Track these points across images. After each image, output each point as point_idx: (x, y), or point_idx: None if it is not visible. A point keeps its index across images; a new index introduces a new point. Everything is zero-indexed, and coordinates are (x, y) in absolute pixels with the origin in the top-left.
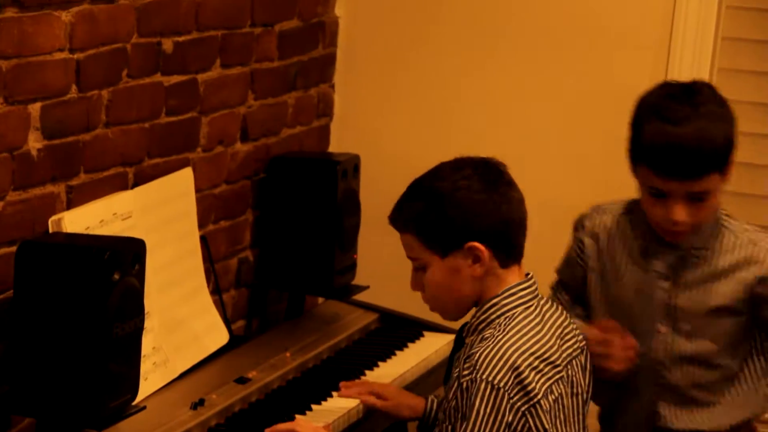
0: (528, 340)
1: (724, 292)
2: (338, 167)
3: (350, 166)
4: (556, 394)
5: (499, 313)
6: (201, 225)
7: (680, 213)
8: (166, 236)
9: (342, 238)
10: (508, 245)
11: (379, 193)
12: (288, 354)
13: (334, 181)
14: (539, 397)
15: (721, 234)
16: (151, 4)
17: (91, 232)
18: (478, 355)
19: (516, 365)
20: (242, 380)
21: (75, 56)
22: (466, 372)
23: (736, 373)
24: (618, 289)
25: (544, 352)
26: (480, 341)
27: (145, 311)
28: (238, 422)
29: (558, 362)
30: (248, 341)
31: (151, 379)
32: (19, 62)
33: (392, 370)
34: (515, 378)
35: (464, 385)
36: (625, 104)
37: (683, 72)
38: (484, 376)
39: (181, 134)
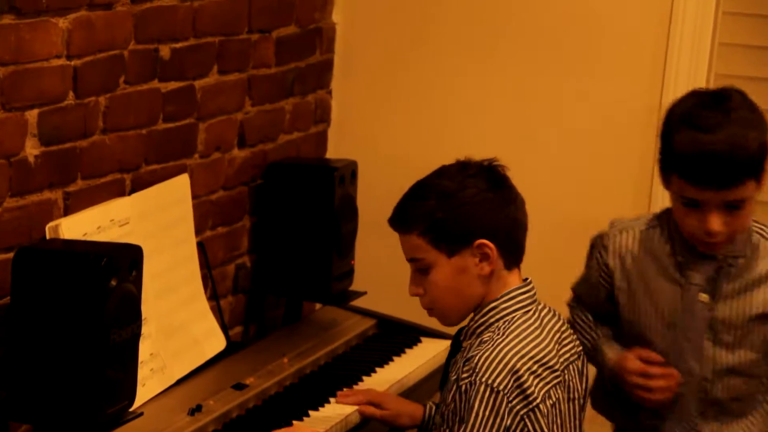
0: (527, 344)
1: (764, 299)
2: (335, 173)
3: (347, 172)
4: (554, 399)
5: (498, 316)
6: (198, 231)
7: (716, 222)
8: (164, 242)
9: (339, 244)
10: (514, 245)
11: (376, 199)
12: (285, 360)
13: (331, 187)
14: (538, 401)
15: (755, 241)
16: (148, 11)
17: (88, 238)
18: (477, 358)
19: (516, 369)
20: (240, 386)
21: (72, 63)
22: (465, 375)
23: None
24: (653, 308)
25: (543, 357)
26: (479, 344)
27: (143, 317)
28: (235, 428)
29: (556, 367)
30: (246, 347)
31: (148, 385)
32: (17, 69)
33: (390, 376)
34: (515, 382)
35: (463, 387)
36: (622, 109)
37: (680, 78)
38: (483, 379)
39: (179, 140)
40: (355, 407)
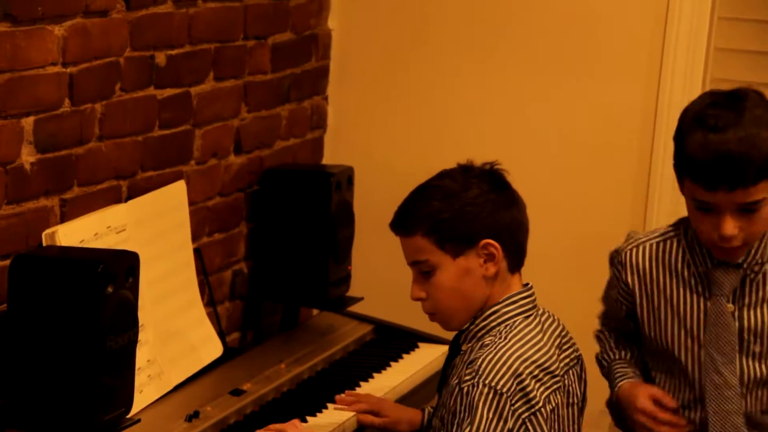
0: (529, 348)
1: None
2: (332, 179)
3: (344, 178)
4: (554, 404)
5: (499, 320)
6: (195, 237)
7: (730, 226)
8: (160, 249)
9: (336, 250)
10: (517, 247)
11: (373, 204)
12: (283, 366)
13: (328, 193)
14: (539, 405)
15: None
16: (143, 18)
17: (85, 245)
18: (480, 360)
19: (518, 372)
20: (237, 392)
21: (68, 70)
22: (467, 377)
23: None
24: (678, 323)
25: (545, 362)
26: (480, 348)
27: (140, 324)
28: None
29: (557, 372)
30: (243, 353)
31: (145, 391)
32: (12, 76)
33: (387, 382)
34: (517, 385)
35: (465, 389)
36: (619, 113)
37: (676, 82)
38: (487, 381)
39: (175, 147)
40: (353, 413)
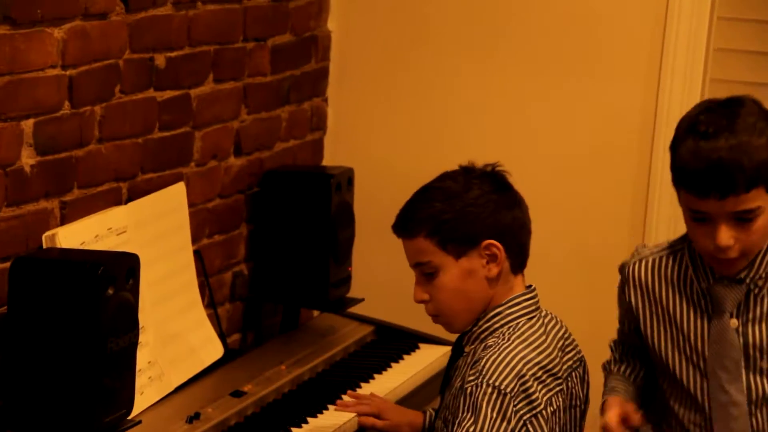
0: (533, 350)
1: None
2: (332, 180)
3: (344, 179)
4: (555, 407)
5: (503, 322)
6: (195, 239)
7: (725, 236)
8: (160, 251)
9: (336, 251)
10: (519, 247)
11: (373, 205)
12: (283, 367)
13: (328, 194)
14: (541, 407)
15: None
16: (143, 20)
17: (86, 247)
18: (484, 361)
19: (521, 374)
20: (238, 393)
21: (68, 72)
22: (471, 378)
23: None
24: (680, 340)
25: (548, 364)
26: (484, 349)
27: (141, 325)
28: None
29: (559, 374)
30: (243, 354)
31: (146, 393)
32: (12, 79)
33: (388, 383)
34: (520, 386)
35: (468, 390)
36: (618, 114)
37: (675, 82)
38: (490, 381)
39: (175, 149)
40: (354, 414)
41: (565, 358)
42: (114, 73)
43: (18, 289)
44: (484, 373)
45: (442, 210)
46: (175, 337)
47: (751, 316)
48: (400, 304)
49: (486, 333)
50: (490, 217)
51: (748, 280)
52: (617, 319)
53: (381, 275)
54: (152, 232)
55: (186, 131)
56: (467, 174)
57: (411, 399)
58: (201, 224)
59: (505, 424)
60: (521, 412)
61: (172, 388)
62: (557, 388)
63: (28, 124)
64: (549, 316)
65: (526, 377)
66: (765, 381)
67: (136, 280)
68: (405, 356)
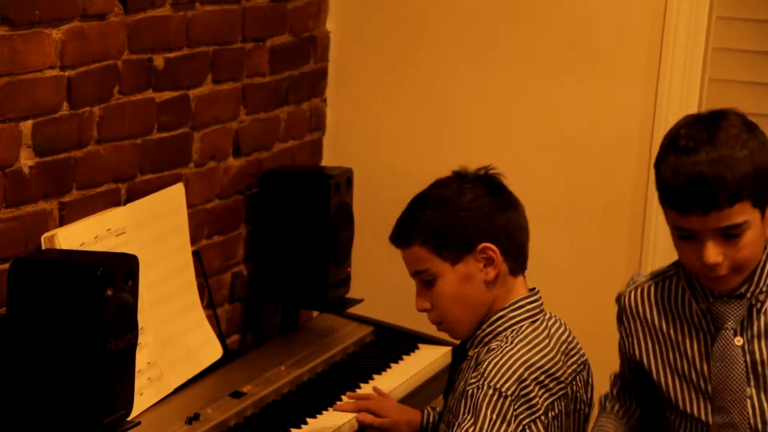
0: (536, 353)
1: None
2: (331, 181)
3: (343, 180)
4: (557, 411)
5: (506, 325)
6: (194, 240)
7: (712, 254)
8: (159, 252)
9: (336, 252)
10: (517, 249)
11: (372, 206)
12: (283, 368)
13: (327, 195)
14: (540, 413)
15: None
16: (141, 21)
17: (86, 248)
18: (486, 363)
19: (522, 378)
20: (237, 394)
21: (66, 73)
22: (473, 380)
23: None
24: (686, 366)
25: (550, 368)
26: (486, 352)
27: (140, 327)
28: None
29: (562, 378)
30: (243, 355)
31: (145, 394)
32: (10, 80)
33: (387, 383)
34: (521, 390)
35: (470, 392)
36: (617, 114)
37: (674, 82)
38: (492, 384)
39: (173, 150)
40: (353, 415)
41: (569, 362)
42: (113, 73)
43: (17, 290)
44: (485, 375)
45: (436, 217)
46: (175, 338)
47: (756, 331)
48: (399, 305)
49: (489, 336)
50: (483, 220)
51: (749, 295)
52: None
53: (380, 276)
54: (151, 233)
55: (185, 132)
56: (460, 179)
57: (411, 399)
58: (200, 225)
59: (505, 426)
60: (521, 416)
61: (171, 389)
62: (560, 393)
63: (26, 125)
64: (553, 319)
65: (527, 381)
66: None
67: (135, 281)
68: (404, 357)
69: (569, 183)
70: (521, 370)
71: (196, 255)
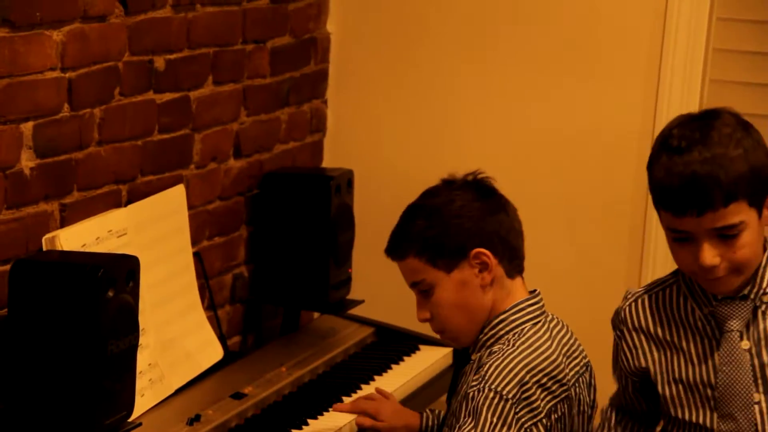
0: (538, 356)
1: None
2: (332, 182)
3: (344, 181)
4: (559, 414)
5: (507, 328)
6: (195, 241)
7: (709, 256)
8: (160, 253)
9: (336, 253)
10: (511, 251)
11: (373, 207)
12: (284, 369)
13: (327, 196)
14: (542, 416)
15: None
16: (142, 23)
17: (87, 249)
18: (487, 366)
19: (524, 381)
20: (238, 396)
21: (67, 75)
22: (474, 383)
23: None
24: (690, 372)
25: (552, 370)
26: (488, 355)
27: (141, 328)
28: None
29: (564, 381)
30: (244, 357)
31: (147, 395)
32: (11, 82)
33: (388, 384)
34: (522, 393)
35: (471, 394)
36: (618, 114)
37: (675, 83)
38: (492, 386)
39: (174, 151)
40: (354, 415)
41: (571, 364)
42: (113, 75)
43: (18, 291)
44: (486, 378)
45: (427, 227)
46: (175, 340)
47: (762, 334)
48: (400, 306)
49: (492, 340)
50: (474, 226)
51: (752, 296)
52: (614, 380)
53: (381, 277)
54: (152, 234)
55: (185, 133)
56: (448, 186)
57: (411, 400)
58: (201, 226)
59: (505, 429)
60: (523, 418)
61: (172, 391)
62: (563, 395)
63: (27, 127)
64: (555, 321)
65: (529, 384)
66: None
67: (136, 282)
68: (405, 358)
69: (570, 183)
70: (522, 372)
71: (197, 256)
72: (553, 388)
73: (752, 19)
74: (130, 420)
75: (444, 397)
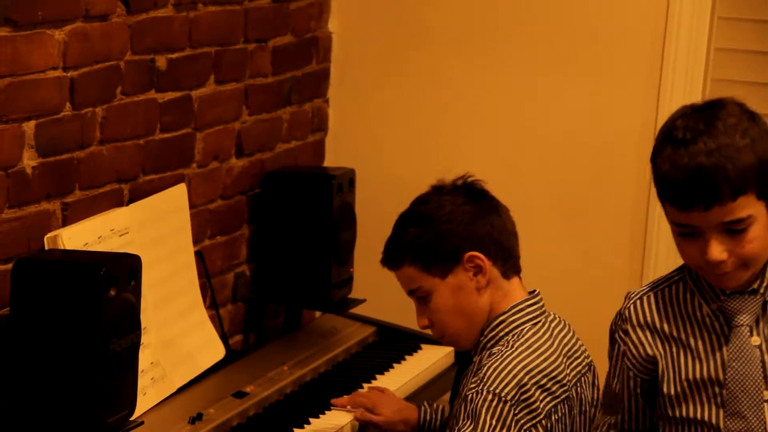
0: (537, 357)
1: None
2: (333, 181)
3: (345, 180)
4: (560, 415)
5: (507, 330)
6: (197, 240)
7: (716, 251)
8: (162, 252)
9: (338, 252)
10: (505, 253)
11: (374, 206)
12: (285, 368)
13: (329, 196)
14: (541, 417)
15: None
16: (144, 22)
17: (90, 248)
18: (486, 368)
19: (522, 383)
20: (240, 394)
21: (69, 74)
22: (472, 385)
23: None
24: (698, 369)
25: (552, 371)
26: (488, 357)
27: (143, 326)
28: None
29: (565, 381)
30: (245, 356)
31: (148, 394)
32: (13, 81)
33: (390, 383)
34: (521, 395)
35: (469, 396)
36: (619, 115)
37: (676, 82)
38: (491, 388)
39: (176, 150)
40: (355, 414)
41: (572, 364)
42: (115, 74)
43: (20, 290)
44: (484, 380)
45: (418, 235)
46: (177, 338)
47: None
48: (401, 305)
49: (492, 342)
50: (465, 229)
51: (762, 290)
52: (603, 406)
53: (383, 276)
54: (154, 233)
55: (187, 132)
56: (437, 192)
57: (413, 400)
58: (203, 225)
59: (505, 431)
60: (522, 420)
61: (174, 389)
62: (563, 396)
63: (29, 126)
64: (556, 321)
65: (528, 386)
66: None
67: (138, 281)
68: (407, 357)
69: (572, 183)
70: (521, 374)
71: (199, 255)
72: (553, 388)
73: (754, 18)
74: (131, 419)
75: (445, 396)
